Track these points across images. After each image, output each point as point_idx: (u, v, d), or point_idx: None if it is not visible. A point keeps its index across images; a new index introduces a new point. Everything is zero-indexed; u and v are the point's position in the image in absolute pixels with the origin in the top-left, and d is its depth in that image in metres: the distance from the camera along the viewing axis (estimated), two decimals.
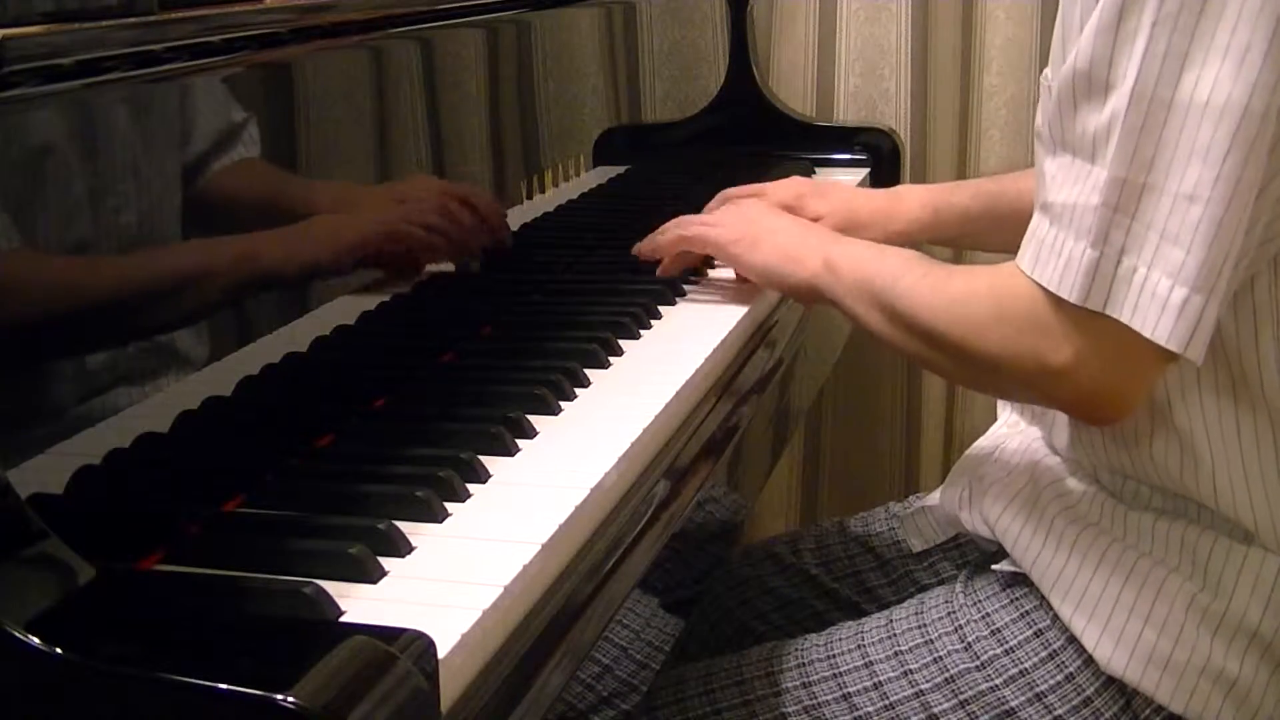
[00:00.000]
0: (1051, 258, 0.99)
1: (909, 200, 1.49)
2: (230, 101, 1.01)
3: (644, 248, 1.41)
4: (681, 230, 1.38)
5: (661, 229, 1.41)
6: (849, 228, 1.44)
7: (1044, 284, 0.99)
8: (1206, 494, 1.06)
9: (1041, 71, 1.16)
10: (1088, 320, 0.98)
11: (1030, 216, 1.22)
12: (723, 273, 1.49)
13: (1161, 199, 0.95)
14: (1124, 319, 0.96)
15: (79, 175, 0.87)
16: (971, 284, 1.07)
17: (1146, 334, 0.95)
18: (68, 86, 0.85)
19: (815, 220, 1.47)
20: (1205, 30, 0.93)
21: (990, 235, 1.50)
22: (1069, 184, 0.99)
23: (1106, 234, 0.96)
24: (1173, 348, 0.95)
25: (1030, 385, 1.05)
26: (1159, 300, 0.95)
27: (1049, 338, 1.00)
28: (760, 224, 1.32)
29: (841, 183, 1.61)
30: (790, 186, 1.54)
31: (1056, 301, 0.99)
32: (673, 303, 1.37)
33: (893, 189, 1.58)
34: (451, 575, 0.82)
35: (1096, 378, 1.00)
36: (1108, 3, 0.96)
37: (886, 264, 1.15)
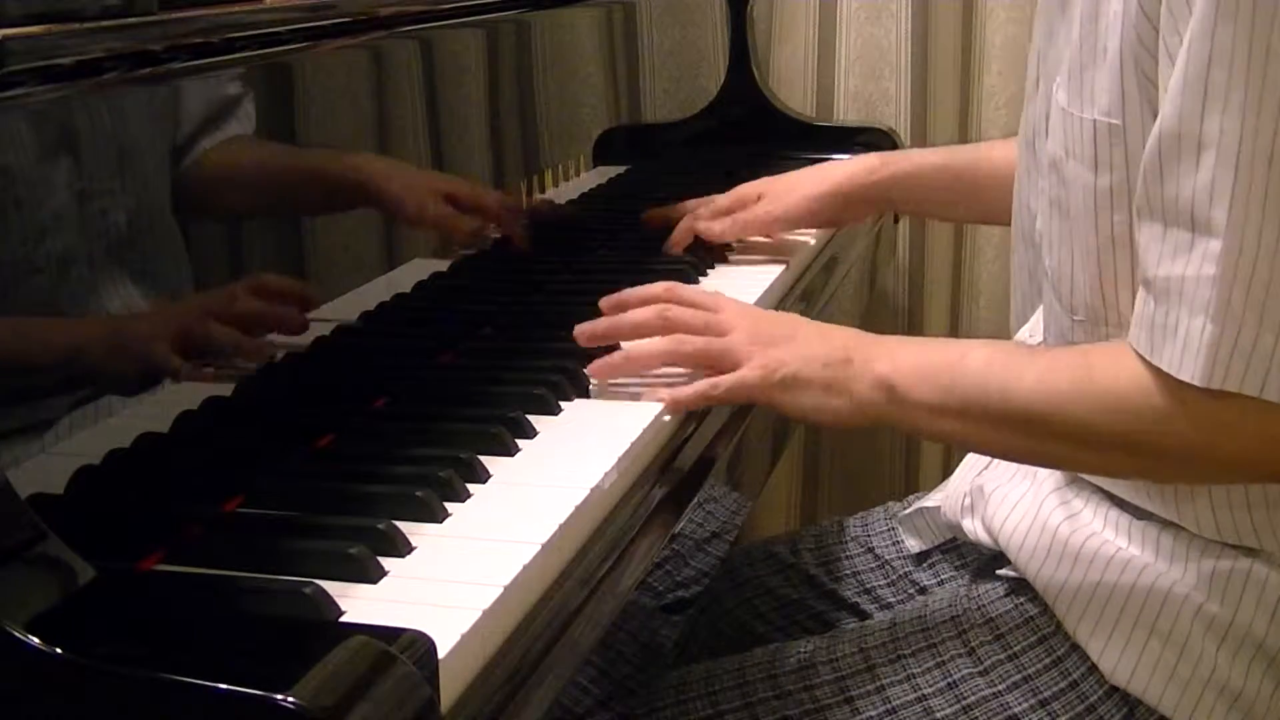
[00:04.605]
0: (1167, 341, 0.93)
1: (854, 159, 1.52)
2: (229, 101, 1.01)
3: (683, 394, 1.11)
4: (713, 392, 1.10)
5: (687, 372, 1.13)
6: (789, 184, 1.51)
7: (1164, 368, 0.93)
8: (1206, 520, 1.05)
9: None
10: (1212, 401, 0.92)
11: (1007, 186, 1.21)
12: (721, 274, 1.49)
13: (1277, 263, 0.89)
14: (1257, 394, 0.90)
15: (79, 175, 0.87)
16: (1117, 373, 0.97)
17: None
18: (67, 86, 0.85)
19: (760, 209, 1.51)
20: None
21: (966, 202, 1.50)
22: (1169, 256, 0.93)
23: (1228, 305, 0.90)
24: None
25: (1207, 472, 1.00)
26: None
27: (1185, 428, 0.94)
28: (781, 347, 1.10)
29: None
30: (730, 194, 1.55)
31: (1178, 388, 0.93)
32: None
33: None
34: (451, 575, 0.82)
35: (1260, 458, 0.95)
36: (1193, 54, 0.89)
37: (971, 368, 1.03)
